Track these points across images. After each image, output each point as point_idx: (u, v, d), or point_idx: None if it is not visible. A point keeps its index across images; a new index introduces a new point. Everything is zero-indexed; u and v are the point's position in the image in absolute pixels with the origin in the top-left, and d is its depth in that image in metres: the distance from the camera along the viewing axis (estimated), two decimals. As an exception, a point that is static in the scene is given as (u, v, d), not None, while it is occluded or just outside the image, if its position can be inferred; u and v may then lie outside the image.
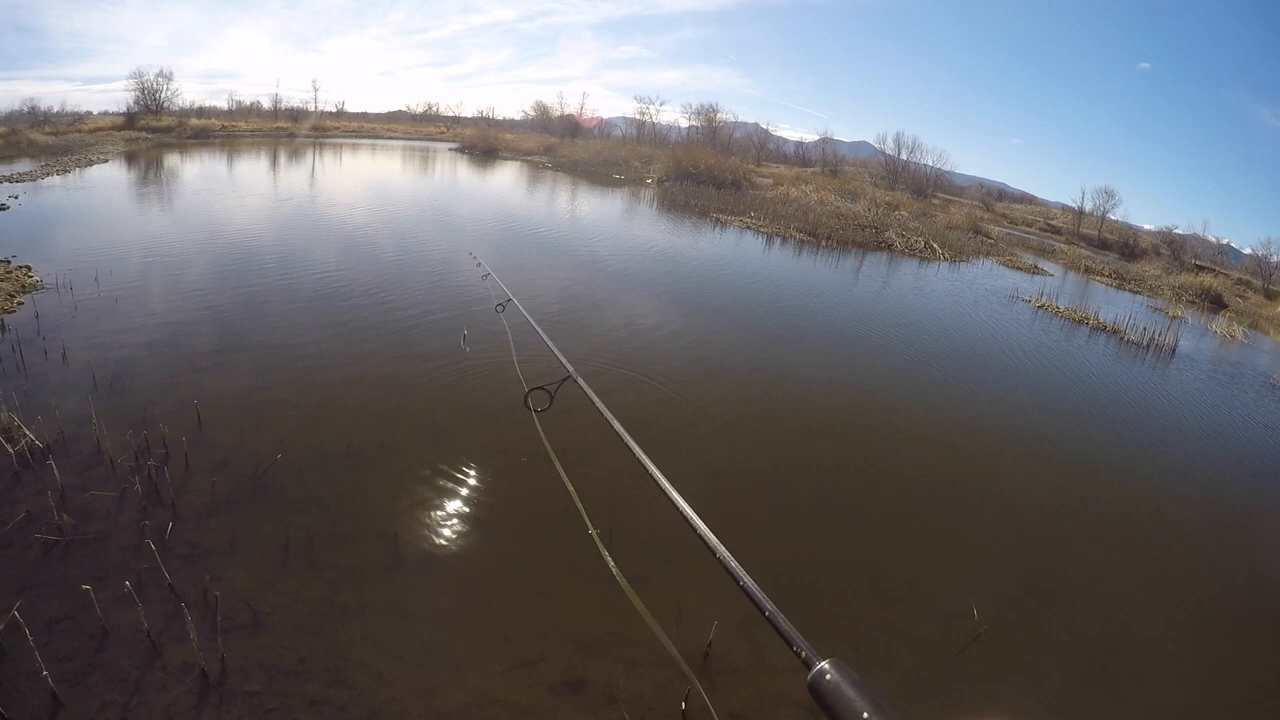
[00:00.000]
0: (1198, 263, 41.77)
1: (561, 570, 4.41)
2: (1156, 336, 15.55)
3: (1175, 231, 48.92)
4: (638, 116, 59.93)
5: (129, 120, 36.58)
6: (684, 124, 59.61)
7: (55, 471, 4.53)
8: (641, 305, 10.92)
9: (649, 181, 32.45)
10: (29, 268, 8.63)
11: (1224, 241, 50.29)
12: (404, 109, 63.86)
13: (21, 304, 7.45)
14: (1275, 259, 41.39)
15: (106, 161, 21.49)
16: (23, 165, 18.31)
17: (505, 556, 4.50)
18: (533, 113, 60.68)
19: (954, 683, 4.09)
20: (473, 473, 5.37)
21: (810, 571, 4.88)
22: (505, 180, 29.33)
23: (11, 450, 4.73)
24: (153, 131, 33.78)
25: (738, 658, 3.90)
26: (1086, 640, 4.67)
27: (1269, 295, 35.85)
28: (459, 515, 4.85)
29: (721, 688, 3.69)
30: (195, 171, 22.74)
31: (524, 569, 4.41)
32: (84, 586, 3.55)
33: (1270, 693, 4.59)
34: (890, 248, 23.14)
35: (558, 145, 42.99)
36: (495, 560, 4.46)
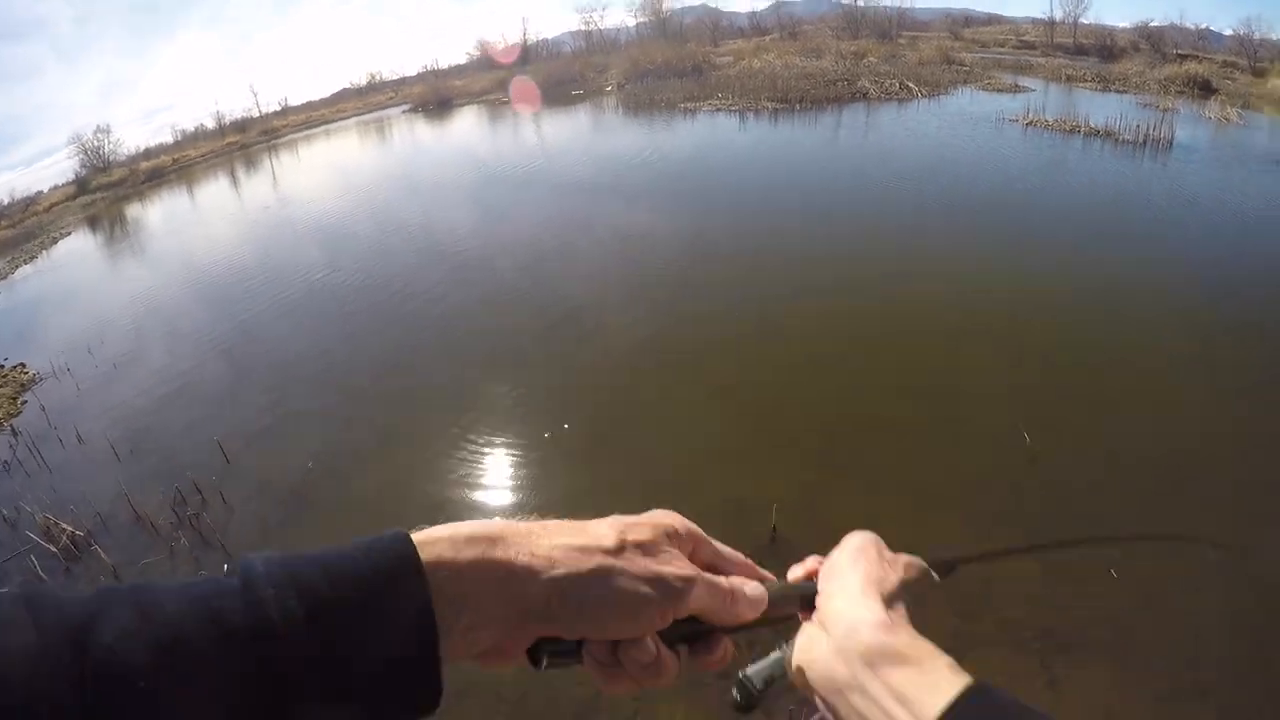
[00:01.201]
0: (1179, 52, 39.44)
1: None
2: (1151, 132, 14.58)
3: (1152, 24, 46.13)
4: (584, 28, 57.78)
5: (80, 186, 36.00)
6: (632, 23, 57.24)
7: (103, 554, 4.54)
8: (638, 221, 10.65)
9: (609, 89, 31.34)
10: (23, 365, 8.56)
11: (1203, 26, 47.60)
12: (348, 85, 61.93)
13: (25, 403, 7.40)
14: (1258, 36, 39.17)
15: (70, 234, 21.22)
16: (-9, 266, 18.15)
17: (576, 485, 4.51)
18: (477, 53, 58.57)
19: (1018, 503, 4.04)
20: (502, 450, 5.27)
21: (868, 427, 4.82)
22: (464, 127, 28.54)
23: (55, 549, 4.72)
24: (107, 188, 33.23)
25: (800, 534, 3.82)
26: (1135, 440, 4.57)
27: (1257, 73, 33.87)
28: (499, 489, 4.83)
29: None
30: (158, 214, 22.46)
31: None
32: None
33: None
34: (865, 96, 22.11)
35: (509, 78, 41.66)
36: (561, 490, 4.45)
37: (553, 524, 0.58)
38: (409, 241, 10.87)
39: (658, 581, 0.57)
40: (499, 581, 0.53)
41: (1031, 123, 16.57)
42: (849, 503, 4.16)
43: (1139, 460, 4.36)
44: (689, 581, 0.58)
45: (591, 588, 0.55)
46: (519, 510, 4.34)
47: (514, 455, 5.08)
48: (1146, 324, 6.22)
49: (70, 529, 4.85)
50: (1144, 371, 5.47)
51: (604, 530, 0.58)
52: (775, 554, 3.71)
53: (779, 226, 9.28)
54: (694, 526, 0.64)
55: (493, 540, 0.54)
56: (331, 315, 8.24)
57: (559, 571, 0.55)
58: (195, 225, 17.75)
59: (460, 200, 13.77)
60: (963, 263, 7.65)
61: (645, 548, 0.58)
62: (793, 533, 3.87)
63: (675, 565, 0.59)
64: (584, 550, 0.56)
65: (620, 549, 0.57)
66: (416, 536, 0.51)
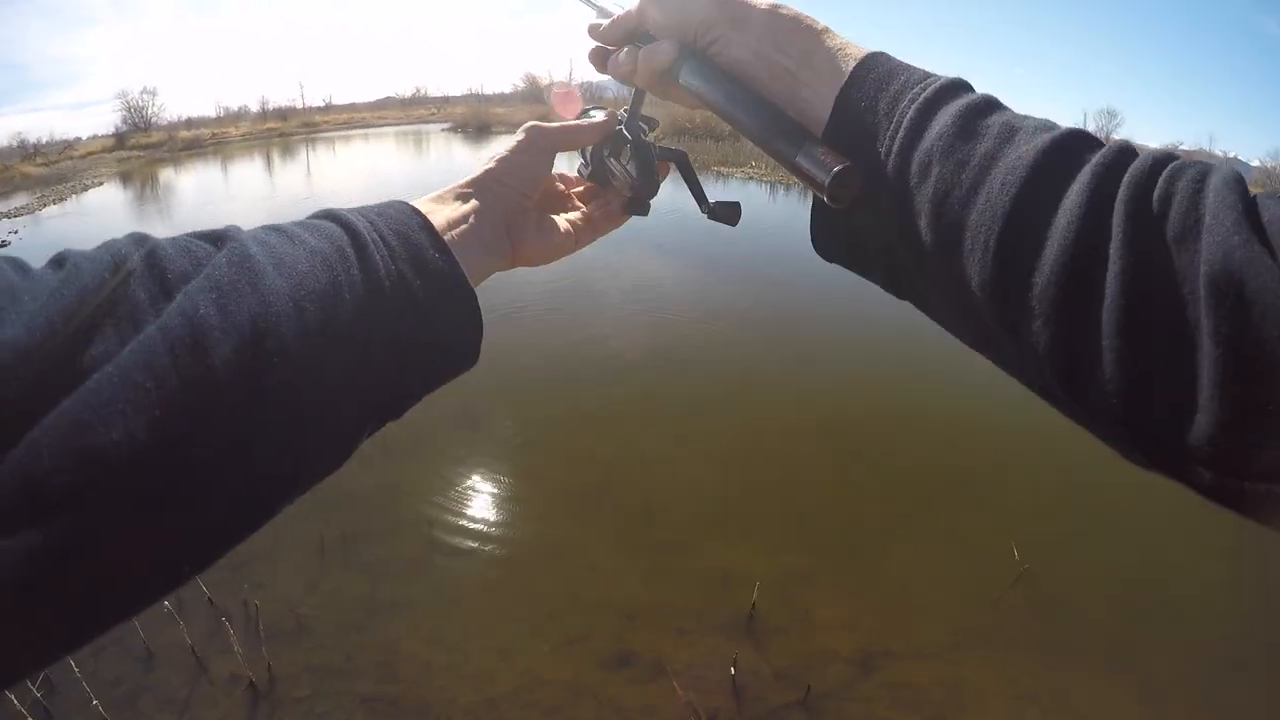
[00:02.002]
0: None
1: (602, 543, 4.37)
2: None
3: (1181, 148, 47.69)
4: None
5: (119, 140, 36.49)
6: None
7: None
8: (649, 273, 10.81)
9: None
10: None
11: (1231, 155, 49.11)
12: (392, 95, 63.13)
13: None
14: None
15: (102, 184, 21.42)
16: (19, 200, 18.25)
17: (544, 534, 4.47)
18: (522, 85, 59.99)
19: (999, 619, 4.03)
20: (505, 451, 5.35)
21: (849, 522, 4.83)
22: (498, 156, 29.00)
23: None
24: (144, 149, 33.66)
25: (781, 617, 3.86)
26: (1128, 571, 4.56)
27: None
28: (494, 497, 4.83)
29: (769, 648, 3.66)
30: (190, 183, 22.67)
31: (564, 545, 4.36)
32: (125, 610, 3.54)
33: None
34: None
35: (550, 115, 42.46)
36: (534, 538, 4.43)
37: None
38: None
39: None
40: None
41: None
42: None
43: (1132, 584, 4.40)
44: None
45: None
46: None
47: (497, 491, 5.09)
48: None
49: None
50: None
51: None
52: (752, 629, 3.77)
53: (793, 314, 9.42)
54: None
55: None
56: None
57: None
58: (225, 201, 17.96)
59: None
60: (959, 372, 7.68)
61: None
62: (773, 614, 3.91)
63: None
64: None
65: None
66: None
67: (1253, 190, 0.40)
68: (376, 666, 3.40)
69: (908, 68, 0.56)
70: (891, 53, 0.57)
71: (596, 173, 0.80)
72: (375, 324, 0.49)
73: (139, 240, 0.42)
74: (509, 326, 7.86)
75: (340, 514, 4.51)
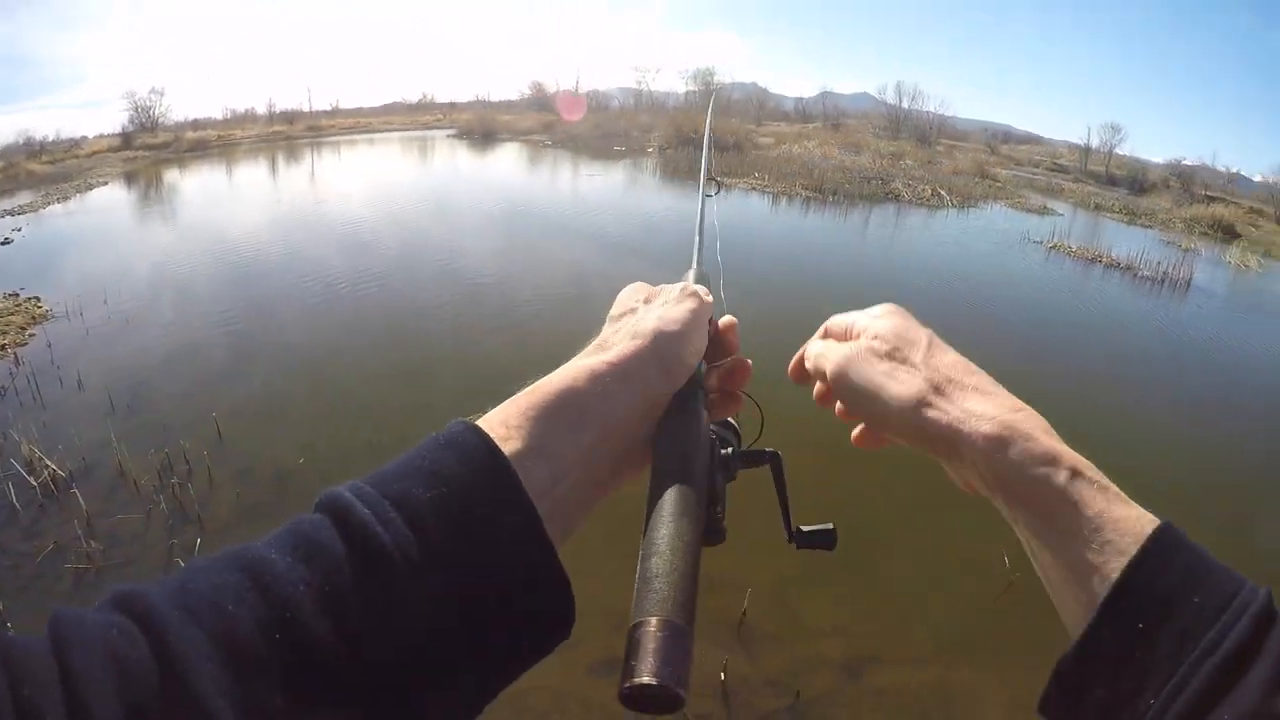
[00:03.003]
0: (1208, 193, 40.48)
1: (590, 548, 4.36)
2: (1170, 271, 15.18)
3: (1184, 163, 47.61)
4: (635, 86, 59.45)
5: (125, 140, 36.55)
6: (681, 90, 58.94)
7: (80, 500, 4.55)
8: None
9: (650, 150, 31.95)
10: (38, 298, 8.65)
11: (1234, 170, 49.12)
12: (399, 100, 63.23)
13: (33, 335, 7.47)
14: None
15: (106, 184, 21.47)
16: (23, 197, 18.29)
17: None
18: (529, 92, 60.14)
19: (988, 626, 4.06)
20: None
21: (842, 531, 4.82)
22: (505, 163, 29.09)
23: (35, 483, 4.75)
24: (150, 149, 33.75)
25: (772, 624, 3.88)
26: None
27: None
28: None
29: (759, 654, 3.68)
30: (195, 184, 22.75)
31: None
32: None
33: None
34: (898, 198, 22.59)
35: (556, 122, 42.48)
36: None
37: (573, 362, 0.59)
38: (432, 263, 11.05)
39: (684, 295, 0.64)
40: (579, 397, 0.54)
41: (1055, 247, 16.96)
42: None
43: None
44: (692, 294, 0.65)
45: (655, 333, 0.59)
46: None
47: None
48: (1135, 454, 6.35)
49: (54, 467, 4.88)
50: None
51: (616, 312, 0.65)
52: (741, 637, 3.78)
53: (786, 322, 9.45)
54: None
55: (534, 389, 0.54)
56: (346, 319, 8.36)
57: (614, 348, 0.58)
58: (229, 202, 18.04)
59: (488, 231, 14.09)
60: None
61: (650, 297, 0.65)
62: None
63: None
64: (618, 321, 0.63)
65: (638, 304, 0.65)
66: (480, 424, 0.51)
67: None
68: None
69: (1206, 572, 0.46)
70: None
71: None
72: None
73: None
74: (497, 329, 7.93)
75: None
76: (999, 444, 0.54)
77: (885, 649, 3.85)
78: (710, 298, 0.70)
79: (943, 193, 23.75)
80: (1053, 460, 0.52)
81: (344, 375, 6.76)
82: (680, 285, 0.67)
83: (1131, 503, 0.51)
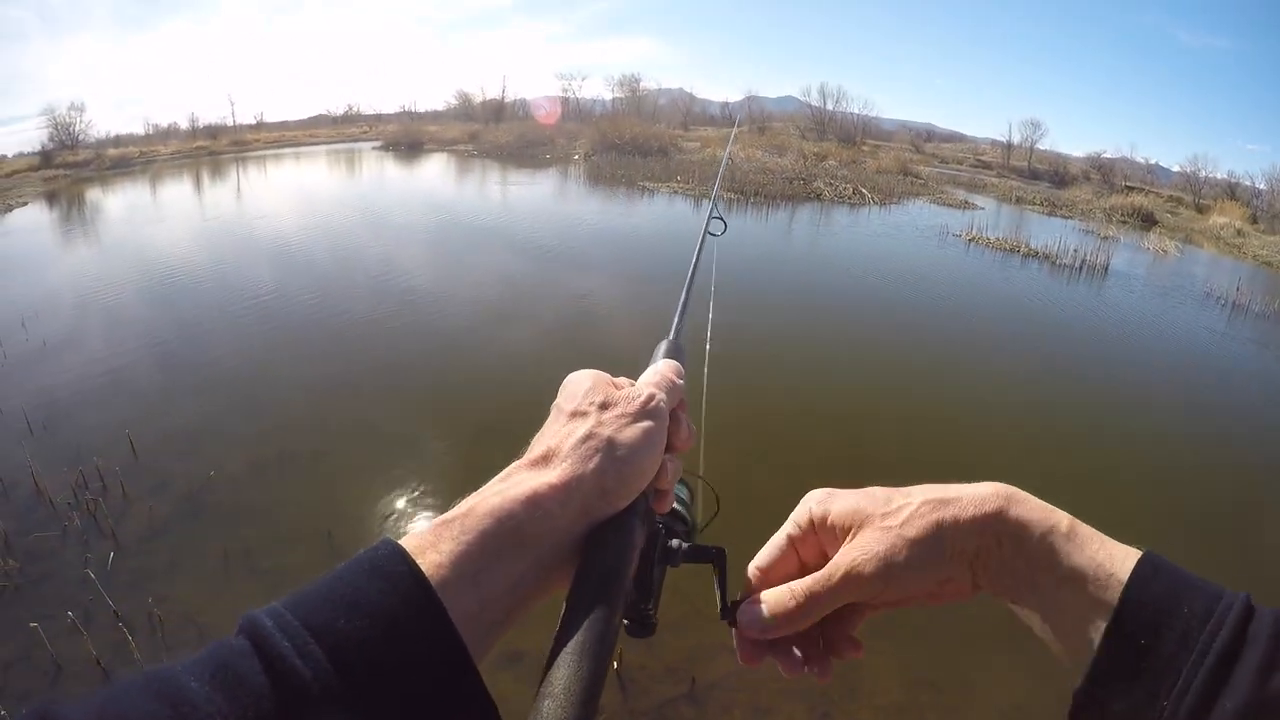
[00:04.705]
0: (1128, 184, 42.19)
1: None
2: (1089, 257, 16.10)
3: (1104, 156, 49.59)
4: (560, 94, 59.58)
5: (45, 159, 35.42)
6: (608, 97, 59.31)
7: (-5, 519, 4.64)
8: (585, 285, 11.08)
9: (576, 158, 32.16)
10: (-50, 324, 8.54)
11: (1152, 161, 51.36)
12: (324, 112, 62.20)
13: (-54, 361, 7.42)
14: (1204, 174, 42.15)
15: (26, 204, 20.92)
16: (-64, 220, 17.79)
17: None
18: (455, 101, 59.73)
19: (967, 621, 4.04)
20: (409, 458, 5.62)
21: (756, 511, 5.09)
22: (430, 174, 28.99)
23: (-51, 505, 4.82)
24: (71, 167, 32.79)
25: (669, 613, 4.11)
26: None
27: (1200, 209, 36.57)
28: (397, 502, 5.07)
29: (656, 643, 3.79)
30: (118, 203, 22.25)
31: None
32: (32, 625, 3.70)
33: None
34: (819, 197, 23.32)
35: (482, 131, 42.27)
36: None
37: (511, 470, 0.59)
38: (364, 276, 11.13)
39: (642, 413, 0.61)
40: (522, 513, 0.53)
41: (974, 239, 17.70)
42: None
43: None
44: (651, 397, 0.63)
45: (605, 458, 0.57)
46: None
47: (406, 496, 5.25)
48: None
49: (-32, 490, 4.96)
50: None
51: (561, 419, 0.61)
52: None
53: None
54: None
55: (470, 510, 0.53)
56: (274, 335, 8.43)
57: (570, 459, 0.57)
58: (154, 221, 17.70)
59: (417, 243, 14.28)
60: (872, 377, 7.90)
61: (606, 404, 0.61)
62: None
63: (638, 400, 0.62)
64: (567, 423, 0.60)
65: (592, 408, 0.61)
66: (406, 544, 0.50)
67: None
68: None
69: (1189, 585, 0.52)
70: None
71: None
72: None
73: None
74: (430, 331, 8.12)
75: (242, 528, 4.72)
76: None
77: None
78: (682, 379, 0.70)
79: (864, 191, 24.57)
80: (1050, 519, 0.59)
81: (264, 390, 6.90)
82: (645, 392, 0.64)
83: (1110, 540, 0.57)
